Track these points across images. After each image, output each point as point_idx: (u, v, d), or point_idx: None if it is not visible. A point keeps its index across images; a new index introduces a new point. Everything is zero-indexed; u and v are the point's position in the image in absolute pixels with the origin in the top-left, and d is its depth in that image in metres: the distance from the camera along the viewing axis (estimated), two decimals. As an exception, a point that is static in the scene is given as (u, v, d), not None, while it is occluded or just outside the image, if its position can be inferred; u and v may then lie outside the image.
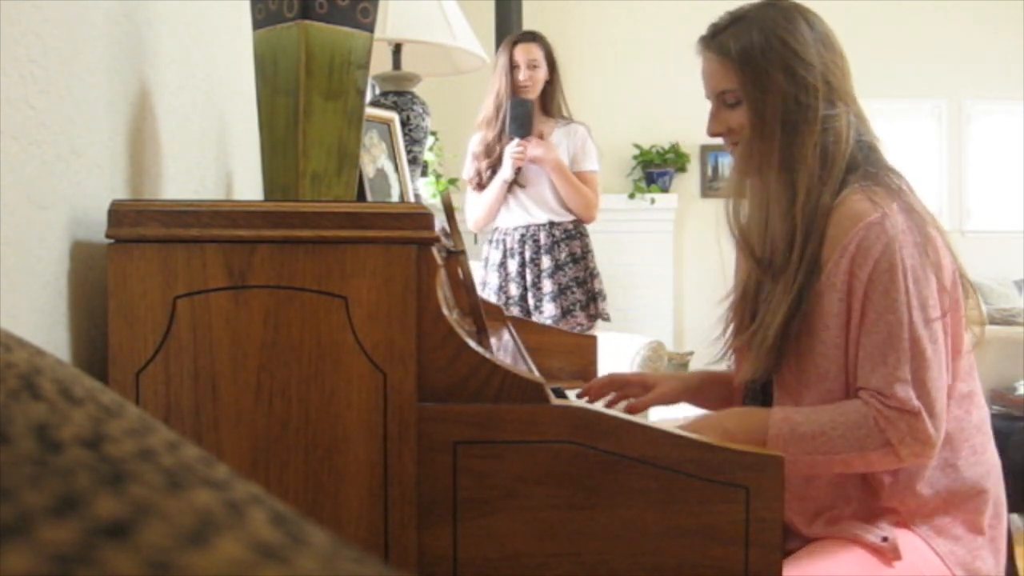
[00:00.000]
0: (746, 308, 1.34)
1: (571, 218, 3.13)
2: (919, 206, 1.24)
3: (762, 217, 1.28)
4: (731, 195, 1.34)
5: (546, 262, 3.09)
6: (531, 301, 3.10)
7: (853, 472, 1.21)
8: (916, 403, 1.15)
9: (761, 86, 1.26)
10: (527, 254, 3.10)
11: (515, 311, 3.07)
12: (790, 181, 1.25)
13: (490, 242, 3.20)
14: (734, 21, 1.30)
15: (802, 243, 1.24)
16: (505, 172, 3.00)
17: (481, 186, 3.09)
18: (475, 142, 3.13)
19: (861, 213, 1.19)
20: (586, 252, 3.15)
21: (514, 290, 3.10)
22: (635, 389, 1.48)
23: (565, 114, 3.16)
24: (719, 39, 1.30)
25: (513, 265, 3.11)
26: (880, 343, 1.16)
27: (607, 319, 3.21)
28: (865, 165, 1.25)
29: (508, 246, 3.12)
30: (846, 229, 1.19)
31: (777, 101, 1.25)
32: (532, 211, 3.09)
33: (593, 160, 3.15)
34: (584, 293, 3.12)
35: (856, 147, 1.26)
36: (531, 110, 2.97)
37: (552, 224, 3.10)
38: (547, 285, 3.08)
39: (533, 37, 3.11)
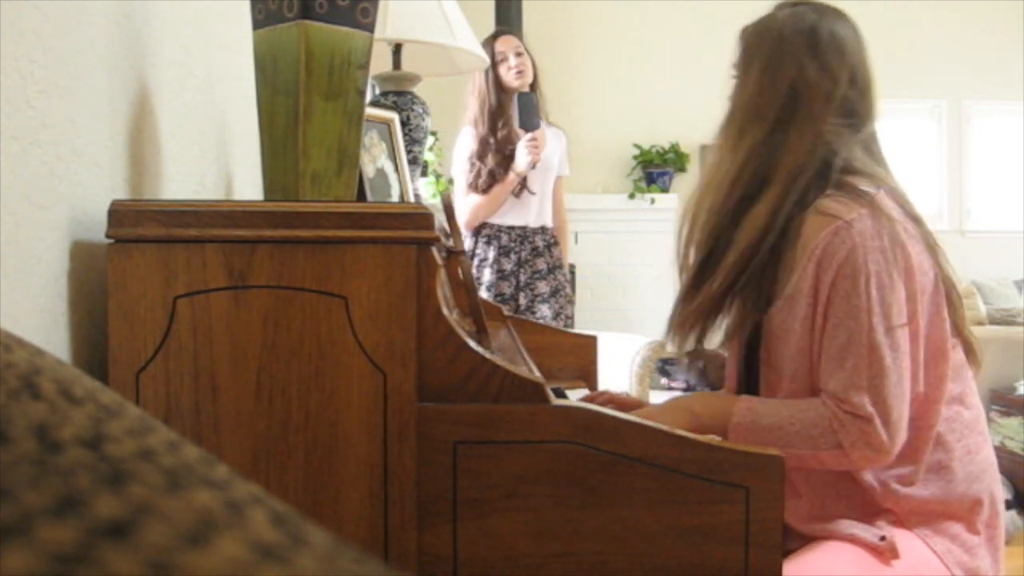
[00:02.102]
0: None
1: (553, 226, 3.24)
2: (895, 211, 1.23)
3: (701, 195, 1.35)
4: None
5: (540, 263, 3.12)
6: (523, 301, 3.12)
7: (809, 467, 1.23)
8: (870, 410, 1.16)
9: (743, 74, 1.33)
10: (523, 254, 3.12)
11: (505, 309, 3.10)
12: (727, 175, 1.31)
13: (476, 236, 3.19)
14: (770, 14, 1.35)
15: (720, 248, 1.29)
16: (520, 166, 3.00)
17: (491, 186, 3.08)
18: (465, 141, 3.12)
19: (828, 219, 1.20)
20: (562, 259, 3.23)
21: (506, 288, 3.12)
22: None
23: (544, 116, 3.20)
24: (746, 25, 1.37)
25: (508, 263, 3.12)
26: (840, 348, 1.18)
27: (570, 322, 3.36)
28: (822, 181, 1.25)
29: (503, 243, 3.13)
30: (813, 234, 1.21)
31: (745, 95, 1.32)
32: (532, 214, 3.13)
33: (567, 165, 3.33)
34: (565, 297, 3.21)
35: (821, 168, 1.26)
36: (537, 102, 2.99)
37: (544, 229, 3.16)
38: (541, 287, 3.11)
39: (510, 31, 3.16)
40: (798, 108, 1.27)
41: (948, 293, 1.26)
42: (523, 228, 3.13)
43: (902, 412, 1.18)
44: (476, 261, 3.17)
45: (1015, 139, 5.92)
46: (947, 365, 1.24)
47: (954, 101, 5.95)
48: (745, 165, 1.28)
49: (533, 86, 3.14)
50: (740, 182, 1.28)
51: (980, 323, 4.40)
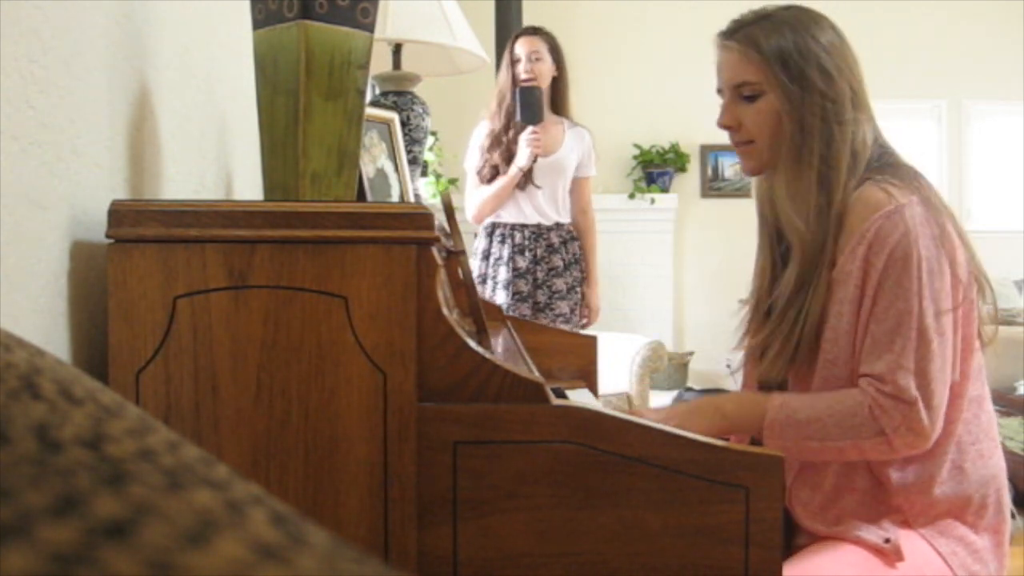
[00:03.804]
0: (762, 307, 1.35)
1: (578, 226, 3.23)
2: (937, 201, 1.25)
3: (802, 215, 1.28)
4: (768, 192, 1.34)
5: (556, 260, 3.12)
6: (541, 298, 3.12)
7: (847, 460, 1.22)
8: (914, 392, 1.15)
9: (799, 82, 1.26)
10: (538, 251, 3.12)
11: (524, 307, 3.10)
12: (827, 181, 1.26)
13: (490, 235, 3.19)
14: (762, 18, 1.30)
15: (832, 243, 1.25)
16: (521, 160, 3.00)
17: (492, 179, 3.09)
18: (480, 134, 3.13)
19: (879, 203, 1.20)
20: (581, 255, 3.21)
21: (523, 286, 3.12)
22: None
23: (570, 115, 3.19)
24: (746, 31, 1.29)
25: (523, 261, 3.12)
26: (888, 330, 1.17)
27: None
28: (881, 164, 1.27)
29: (517, 241, 3.13)
30: (864, 218, 1.20)
31: (816, 100, 1.26)
32: (545, 211, 3.13)
33: (594, 166, 3.27)
34: (581, 294, 3.18)
35: (874, 149, 1.28)
36: (539, 96, 2.98)
37: (559, 225, 3.15)
38: (559, 283, 3.12)
39: (536, 31, 3.13)
40: (857, 97, 1.28)
41: (980, 290, 1.26)
42: (537, 225, 3.13)
43: (943, 398, 1.18)
44: (491, 260, 3.17)
45: (1015, 139, 5.92)
46: (973, 362, 1.24)
47: (954, 101, 5.94)
48: (846, 167, 1.26)
49: (557, 85, 3.13)
50: (844, 181, 1.25)
51: (992, 322, 4.41)
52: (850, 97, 1.27)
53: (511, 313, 3.05)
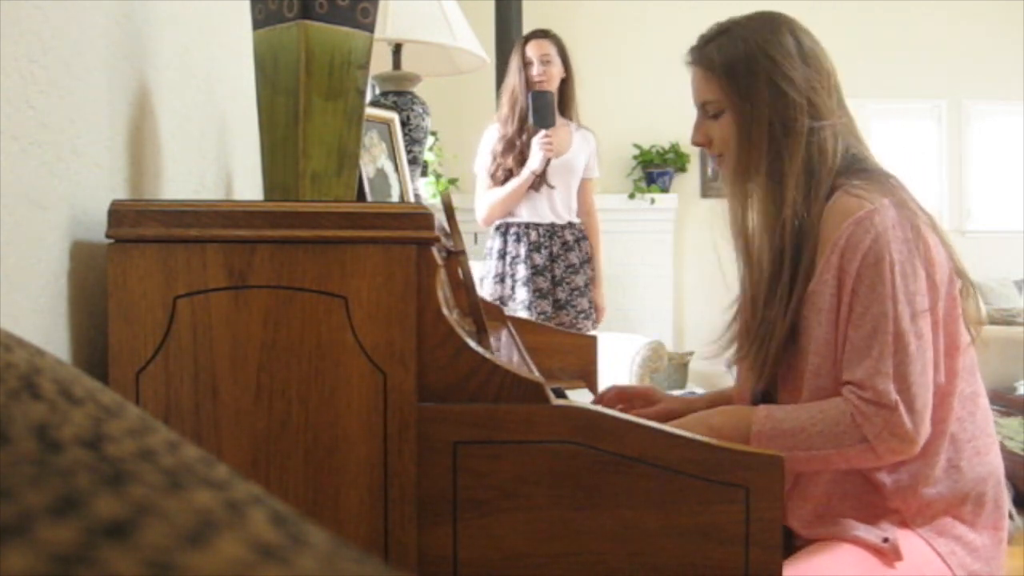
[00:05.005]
0: (746, 318, 1.36)
1: (585, 227, 3.26)
2: (913, 204, 1.25)
3: (756, 226, 1.31)
4: (730, 203, 1.36)
5: (573, 258, 3.15)
6: (561, 295, 3.14)
7: (834, 468, 1.22)
8: (894, 397, 1.15)
9: (748, 97, 1.28)
10: (554, 249, 3.14)
11: (544, 303, 3.11)
12: (777, 193, 1.27)
13: (504, 234, 3.20)
14: (720, 33, 1.32)
15: (792, 257, 1.25)
16: (534, 163, 3.02)
17: (505, 181, 3.10)
18: (492, 138, 3.14)
19: (851, 209, 1.20)
20: (591, 253, 3.24)
21: (542, 283, 3.13)
22: (639, 402, 1.50)
23: (576, 118, 3.21)
24: (704, 50, 1.33)
25: (540, 258, 3.14)
26: (865, 336, 1.17)
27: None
28: (850, 171, 1.26)
29: (532, 239, 3.14)
30: (836, 225, 1.21)
31: (763, 113, 1.27)
32: (558, 211, 3.15)
33: (597, 168, 3.31)
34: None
35: (843, 159, 1.28)
36: (552, 100, 3.00)
37: (572, 224, 3.17)
38: (577, 280, 3.16)
39: (545, 34, 3.15)
40: (815, 108, 1.28)
41: (963, 288, 1.26)
42: (551, 224, 3.15)
43: (926, 401, 1.17)
44: (508, 259, 3.19)
45: (1015, 139, 5.92)
46: (960, 359, 1.24)
47: (954, 101, 5.94)
48: (797, 180, 1.26)
49: (565, 88, 3.15)
50: (796, 194, 1.26)
51: (979, 323, 4.40)
52: (805, 108, 1.26)
53: (532, 310, 3.07)
